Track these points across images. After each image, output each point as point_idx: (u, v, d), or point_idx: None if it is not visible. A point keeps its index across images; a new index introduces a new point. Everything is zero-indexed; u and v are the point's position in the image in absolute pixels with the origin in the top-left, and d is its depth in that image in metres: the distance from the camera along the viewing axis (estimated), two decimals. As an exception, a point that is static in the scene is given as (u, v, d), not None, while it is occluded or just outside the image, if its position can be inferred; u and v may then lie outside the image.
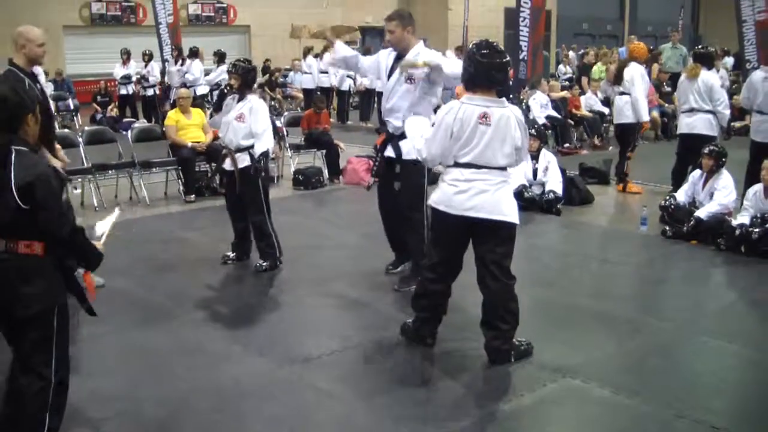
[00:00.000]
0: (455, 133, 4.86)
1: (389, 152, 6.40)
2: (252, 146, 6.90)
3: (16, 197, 3.36)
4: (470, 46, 5.10)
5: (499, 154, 4.90)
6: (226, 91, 7.08)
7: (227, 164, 7.09)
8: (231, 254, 7.31)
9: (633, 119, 10.37)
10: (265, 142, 6.91)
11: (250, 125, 6.89)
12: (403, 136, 5.95)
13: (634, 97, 10.25)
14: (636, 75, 10.37)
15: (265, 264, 7.00)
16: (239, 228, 7.26)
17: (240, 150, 6.96)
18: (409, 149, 5.94)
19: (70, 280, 3.72)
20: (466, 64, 4.99)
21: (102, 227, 4.03)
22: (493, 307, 5.13)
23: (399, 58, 6.31)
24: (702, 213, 7.89)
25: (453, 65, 5.94)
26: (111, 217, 4.14)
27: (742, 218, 7.58)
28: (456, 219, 4.95)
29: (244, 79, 6.96)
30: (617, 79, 10.52)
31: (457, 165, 4.94)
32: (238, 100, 6.99)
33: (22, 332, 3.58)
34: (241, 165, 6.94)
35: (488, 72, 4.88)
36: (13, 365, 3.68)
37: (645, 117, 10.45)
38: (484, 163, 4.89)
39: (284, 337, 5.55)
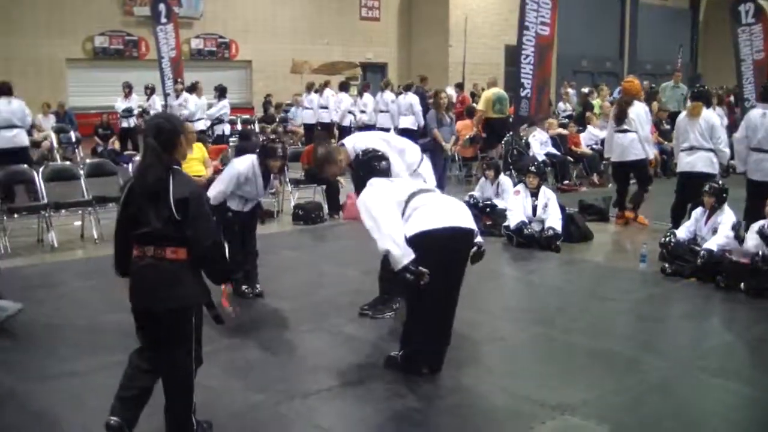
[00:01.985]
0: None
1: None
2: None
3: (173, 209, 3.89)
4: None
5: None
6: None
7: (238, 206, 7.29)
8: (246, 288, 7.31)
9: (643, 155, 10.42)
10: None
11: None
12: None
13: (643, 134, 10.32)
14: (641, 113, 10.45)
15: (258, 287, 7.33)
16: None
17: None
18: None
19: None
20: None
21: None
22: None
23: None
24: (711, 245, 7.89)
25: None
26: None
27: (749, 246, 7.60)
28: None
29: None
30: (620, 118, 10.53)
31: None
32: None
33: (167, 326, 4.08)
34: (247, 208, 7.32)
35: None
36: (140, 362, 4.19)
37: (651, 155, 10.52)
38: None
39: (283, 373, 5.53)
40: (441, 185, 11.86)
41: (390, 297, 6.64)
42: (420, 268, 4.88)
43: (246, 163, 7.11)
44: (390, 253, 4.95)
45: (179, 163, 4.11)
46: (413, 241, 4.98)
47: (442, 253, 5.08)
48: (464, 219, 5.27)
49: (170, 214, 3.90)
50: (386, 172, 5.70)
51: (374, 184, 5.40)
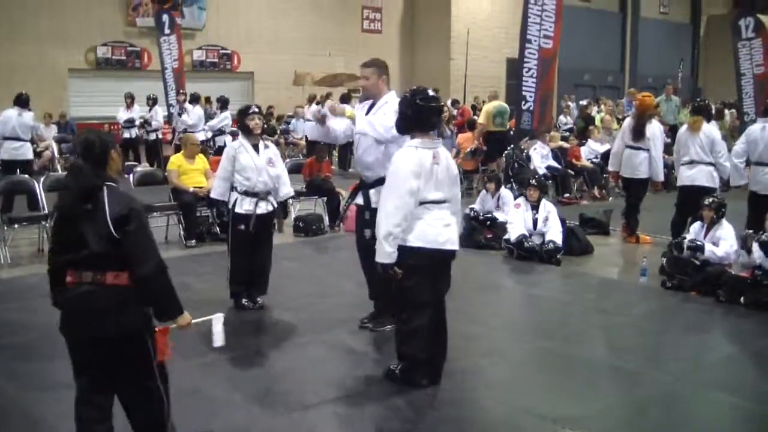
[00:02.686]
0: (421, 177, 5.20)
1: (359, 199, 6.53)
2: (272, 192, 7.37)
3: (111, 228, 3.62)
4: (406, 93, 5.47)
5: (447, 188, 5.36)
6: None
7: (249, 208, 7.21)
8: (246, 301, 7.32)
9: (647, 175, 10.42)
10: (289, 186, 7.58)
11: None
12: (375, 184, 6.21)
13: (657, 155, 10.31)
14: (657, 133, 10.43)
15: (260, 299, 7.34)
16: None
17: (268, 194, 7.33)
18: (377, 198, 5.94)
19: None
20: (404, 108, 5.38)
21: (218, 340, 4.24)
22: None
23: (371, 108, 6.45)
24: (709, 254, 7.96)
25: (366, 124, 6.28)
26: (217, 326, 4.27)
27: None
28: (438, 254, 5.29)
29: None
30: (638, 134, 10.40)
31: (423, 203, 5.23)
32: (254, 145, 7.31)
33: (120, 355, 3.78)
34: (265, 210, 7.30)
35: (429, 116, 5.35)
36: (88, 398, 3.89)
37: (662, 176, 10.50)
38: (442, 198, 5.32)
39: (284, 384, 5.53)
40: None
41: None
42: (395, 269, 5.20)
43: (233, 143, 7.29)
44: (379, 243, 5.20)
45: (114, 179, 3.84)
46: (406, 250, 5.20)
47: (428, 269, 5.29)
48: (455, 240, 5.41)
49: (108, 232, 3.64)
50: (434, 127, 5.51)
51: (411, 159, 5.21)
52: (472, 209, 10.59)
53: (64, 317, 3.84)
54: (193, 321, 3.98)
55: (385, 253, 5.16)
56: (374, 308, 6.76)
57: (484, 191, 11.13)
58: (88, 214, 3.66)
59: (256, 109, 7.41)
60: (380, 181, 5.97)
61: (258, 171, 7.20)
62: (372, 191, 6.31)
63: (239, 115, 7.40)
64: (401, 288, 5.29)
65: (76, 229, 3.68)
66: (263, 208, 7.26)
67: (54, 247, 3.90)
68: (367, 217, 6.36)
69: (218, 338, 4.10)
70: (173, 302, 3.83)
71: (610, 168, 10.80)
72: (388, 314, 6.46)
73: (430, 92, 5.45)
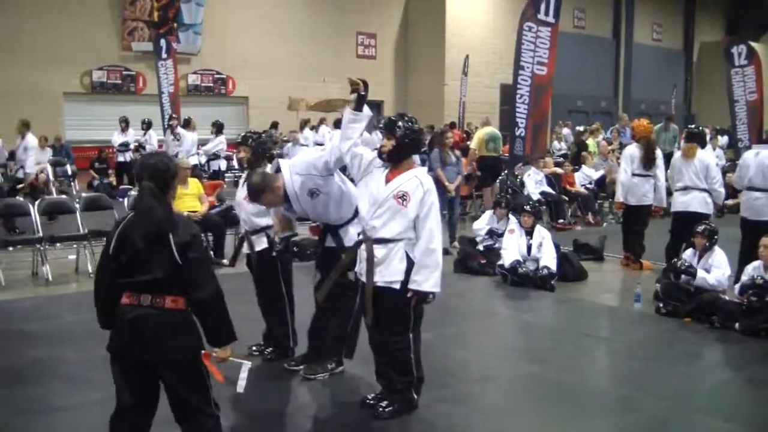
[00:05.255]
0: None
1: (329, 242, 5.93)
2: (269, 226, 6.30)
3: (176, 255, 3.67)
4: (393, 117, 5.28)
5: None
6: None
7: (245, 247, 6.59)
8: (266, 350, 6.58)
9: (649, 202, 10.47)
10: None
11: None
12: (341, 225, 5.84)
13: (661, 183, 10.37)
14: (660, 159, 10.48)
15: (271, 354, 6.51)
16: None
17: (256, 231, 6.41)
18: (351, 237, 5.71)
19: None
20: (407, 134, 5.14)
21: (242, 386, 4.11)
22: None
23: None
24: (701, 281, 7.97)
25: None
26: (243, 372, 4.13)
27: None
28: None
29: (254, 152, 6.41)
30: (648, 162, 10.40)
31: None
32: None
33: (175, 380, 3.80)
34: (258, 248, 6.41)
35: (420, 142, 5.39)
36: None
37: (665, 203, 10.52)
38: None
39: (276, 415, 5.52)
40: (452, 224, 11.88)
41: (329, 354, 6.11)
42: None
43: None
44: (436, 271, 5.03)
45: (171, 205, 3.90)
46: None
47: None
48: None
49: (173, 260, 3.69)
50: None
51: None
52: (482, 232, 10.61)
53: (116, 338, 3.83)
54: (230, 358, 3.96)
55: (440, 281, 5.09)
56: (309, 350, 6.21)
57: (491, 212, 11.06)
58: (157, 240, 3.70)
59: (244, 139, 6.53)
60: (346, 223, 5.82)
61: (238, 206, 6.64)
62: (341, 231, 5.85)
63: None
64: (415, 314, 5.19)
65: (141, 254, 3.71)
66: (246, 248, 6.57)
67: (111, 270, 3.81)
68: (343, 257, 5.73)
69: (241, 384, 4.09)
70: (227, 328, 3.87)
71: (619, 198, 10.65)
72: (322, 360, 6.08)
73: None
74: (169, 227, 3.71)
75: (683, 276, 8.12)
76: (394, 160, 5.14)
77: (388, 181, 5.11)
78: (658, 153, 10.60)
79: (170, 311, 3.73)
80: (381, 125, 5.44)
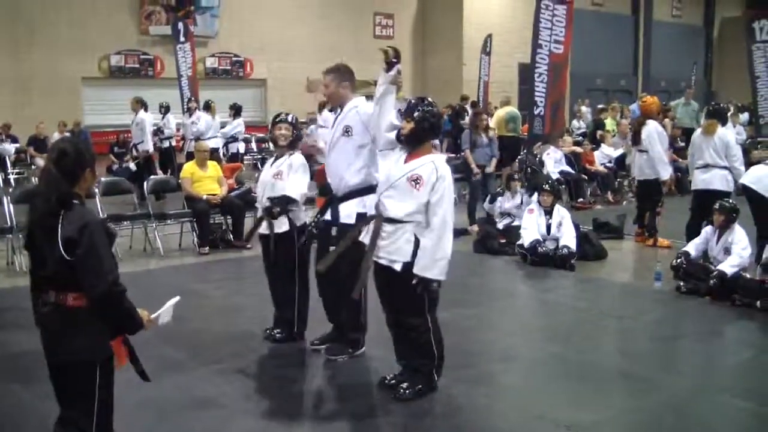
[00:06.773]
0: None
1: (327, 215, 5.95)
2: (294, 202, 6.21)
3: (62, 249, 3.37)
4: (413, 101, 5.29)
5: None
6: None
7: (263, 228, 6.45)
8: (274, 331, 6.56)
9: (653, 176, 10.42)
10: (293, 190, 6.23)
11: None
12: (345, 198, 5.84)
13: (654, 155, 10.31)
14: (653, 133, 10.42)
15: (280, 335, 6.49)
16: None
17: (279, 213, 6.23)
18: (349, 212, 5.75)
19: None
20: (427, 117, 5.12)
21: (164, 316, 3.89)
22: None
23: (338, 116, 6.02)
24: (725, 267, 7.76)
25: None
26: (170, 303, 3.96)
27: None
28: None
29: (294, 128, 6.52)
30: (636, 138, 10.62)
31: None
32: (277, 158, 6.52)
33: (64, 382, 3.56)
34: (278, 230, 6.31)
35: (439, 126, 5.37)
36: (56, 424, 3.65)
37: (664, 175, 10.45)
38: None
39: (296, 395, 5.54)
40: (471, 207, 11.90)
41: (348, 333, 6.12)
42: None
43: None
44: (443, 260, 5.00)
45: (80, 197, 3.53)
46: None
47: None
48: None
49: (61, 255, 3.38)
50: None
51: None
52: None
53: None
54: (152, 315, 3.78)
55: (445, 269, 5.05)
56: (333, 330, 6.26)
57: (509, 192, 11.14)
58: (48, 230, 3.43)
59: (284, 117, 6.56)
60: (351, 194, 5.80)
61: (263, 185, 6.51)
62: (342, 206, 5.84)
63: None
64: (431, 297, 5.16)
65: (41, 248, 3.49)
66: (264, 228, 6.43)
67: (30, 263, 3.66)
68: (334, 233, 5.85)
69: (163, 314, 3.90)
70: (128, 322, 3.60)
71: (632, 174, 11.00)
72: (344, 341, 6.10)
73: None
74: (53, 221, 3.41)
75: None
76: (413, 143, 5.12)
77: (405, 162, 5.11)
78: (650, 127, 10.53)
79: (72, 308, 3.48)
80: (400, 108, 5.45)
